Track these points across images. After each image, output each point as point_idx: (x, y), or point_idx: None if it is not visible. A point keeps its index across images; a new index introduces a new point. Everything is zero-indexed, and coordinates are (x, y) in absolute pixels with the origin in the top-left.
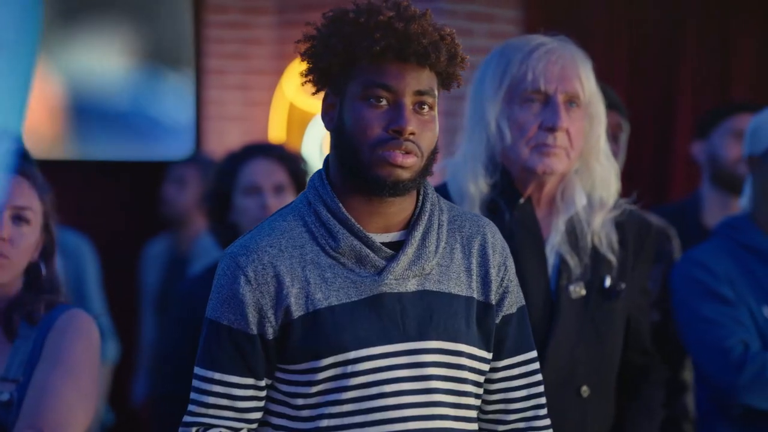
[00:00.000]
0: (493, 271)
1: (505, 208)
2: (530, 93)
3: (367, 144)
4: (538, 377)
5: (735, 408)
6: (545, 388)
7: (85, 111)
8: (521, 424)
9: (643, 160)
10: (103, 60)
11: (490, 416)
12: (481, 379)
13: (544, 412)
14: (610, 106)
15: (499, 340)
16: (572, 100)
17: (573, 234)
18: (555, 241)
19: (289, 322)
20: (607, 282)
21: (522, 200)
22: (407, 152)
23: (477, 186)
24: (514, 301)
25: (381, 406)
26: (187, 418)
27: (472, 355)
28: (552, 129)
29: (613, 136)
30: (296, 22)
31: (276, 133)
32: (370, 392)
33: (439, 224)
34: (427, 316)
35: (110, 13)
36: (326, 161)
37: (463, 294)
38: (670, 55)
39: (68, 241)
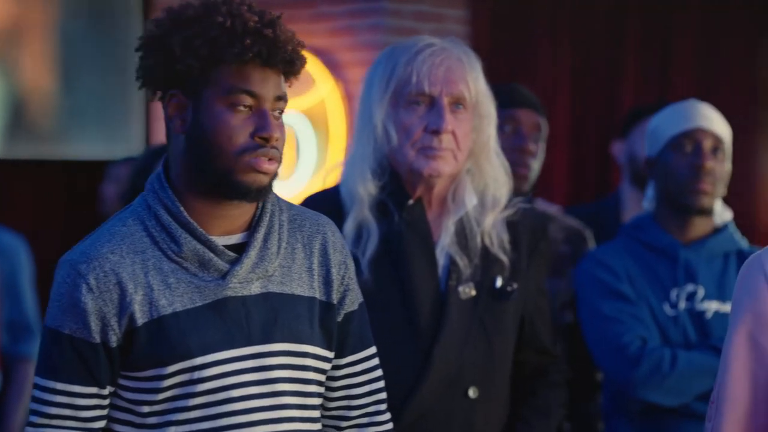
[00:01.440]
0: (334, 270)
1: (394, 210)
2: (415, 95)
3: (232, 151)
4: (379, 372)
5: (634, 404)
6: (432, 389)
7: (31, 110)
8: (364, 420)
9: (586, 162)
10: (53, 59)
11: (333, 413)
12: (323, 378)
13: (384, 407)
14: (528, 106)
15: (341, 338)
16: (458, 102)
17: (463, 234)
18: (445, 242)
19: (133, 330)
20: (498, 282)
21: (411, 202)
22: (271, 159)
23: (366, 188)
24: (355, 298)
25: (228, 411)
26: (28, 430)
27: (317, 355)
28: (437, 132)
29: (532, 136)
30: None
31: None
32: (217, 398)
33: (279, 224)
34: (271, 318)
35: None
36: (164, 163)
37: (306, 294)
38: (613, 51)
39: (3, 241)
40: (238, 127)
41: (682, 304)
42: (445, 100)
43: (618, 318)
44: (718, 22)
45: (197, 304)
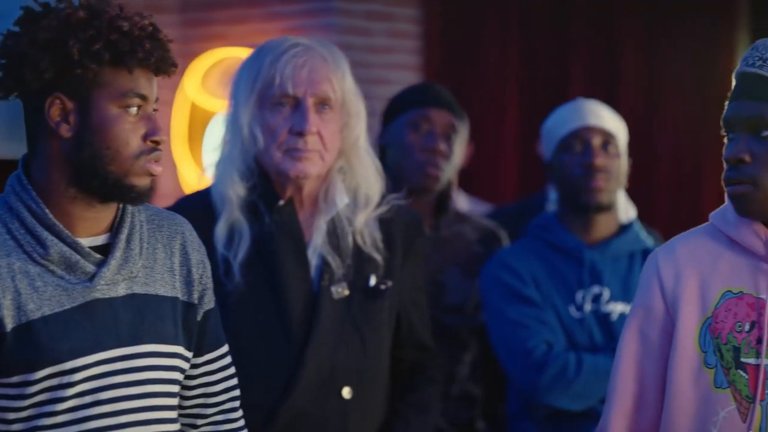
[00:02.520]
0: (194, 270)
1: (264, 211)
2: (279, 97)
3: (128, 154)
4: (233, 370)
5: (540, 409)
6: (305, 391)
7: None
8: (220, 417)
9: (535, 162)
10: None
11: (189, 411)
12: (182, 378)
13: (238, 404)
14: (442, 105)
15: (199, 337)
16: (324, 102)
17: (335, 234)
18: (317, 242)
19: (1, 335)
20: (372, 281)
21: (282, 202)
22: (158, 161)
23: (234, 190)
24: (212, 296)
25: (98, 414)
26: None
27: (181, 355)
28: (301, 133)
29: (445, 136)
30: (199, 20)
31: (178, 132)
32: (85, 401)
33: (140, 225)
34: (138, 319)
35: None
36: (24, 164)
37: (169, 295)
38: (561, 53)
39: None
40: (133, 131)
41: (588, 306)
42: (310, 101)
43: (523, 322)
44: (665, 26)
45: (65, 307)
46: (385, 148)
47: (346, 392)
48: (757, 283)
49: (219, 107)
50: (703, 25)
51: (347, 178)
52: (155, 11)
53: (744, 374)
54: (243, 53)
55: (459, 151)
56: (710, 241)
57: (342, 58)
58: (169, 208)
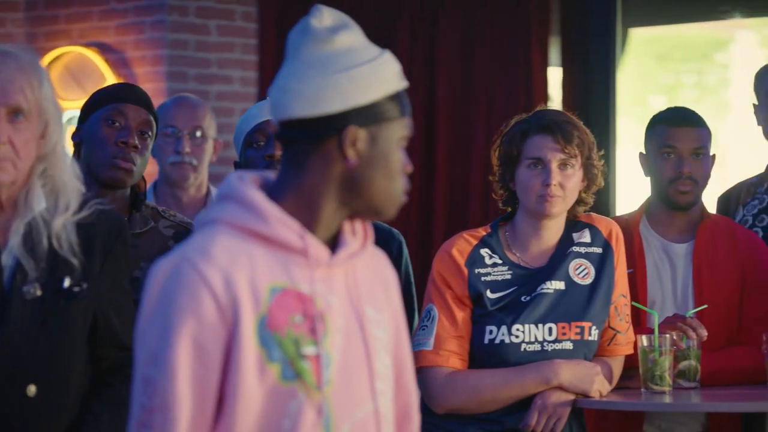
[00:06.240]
0: None
1: None
2: None
3: None
4: None
5: None
6: None
7: None
8: None
9: None
10: None
11: None
12: None
13: None
14: (137, 102)
15: None
16: (17, 112)
17: (30, 237)
18: (13, 244)
19: None
20: (66, 283)
21: None
22: None
23: None
24: None
25: None
26: None
27: None
28: None
29: (140, 132)
30: (44, 17)
31: None
32: None
33: None
34: None
35: None
36: None
37: None
38: (387, 46)
39: None
40: None
41: None
42: (2, 111)
43: None
44: (480, 19)
45: None
46: (80, 145)
47: (32, 390)
48: (295, 276)
49: (68, 105)
50: (515, 42)
51: (47, 184)
52: (1, 9)
53: (308, 364)
54: (83, 51)
55: (150, 146)
56: (240, 241)
57: (38, 67)
58: None
